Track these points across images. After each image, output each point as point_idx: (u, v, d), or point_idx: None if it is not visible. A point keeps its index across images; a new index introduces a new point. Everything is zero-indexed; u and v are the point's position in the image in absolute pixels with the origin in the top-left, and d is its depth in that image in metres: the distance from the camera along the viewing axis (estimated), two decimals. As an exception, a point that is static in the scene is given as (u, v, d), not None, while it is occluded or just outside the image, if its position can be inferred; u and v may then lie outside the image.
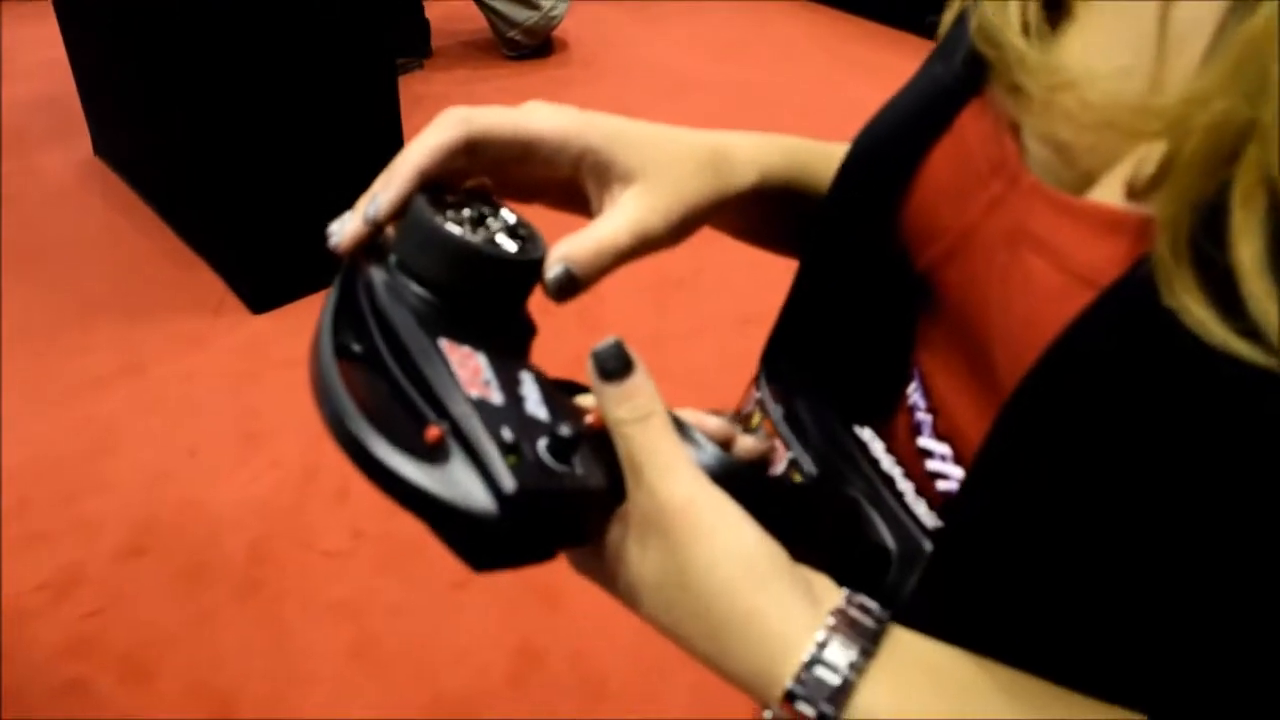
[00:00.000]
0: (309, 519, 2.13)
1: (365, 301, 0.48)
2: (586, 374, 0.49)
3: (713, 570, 0.45)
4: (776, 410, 0.63)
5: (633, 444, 0.47)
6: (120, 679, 1.84)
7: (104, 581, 2.00)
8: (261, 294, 2.70)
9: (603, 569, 0.50)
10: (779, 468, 0.60)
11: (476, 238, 0.50)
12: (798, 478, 0.59)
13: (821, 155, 0.65)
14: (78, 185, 3.14)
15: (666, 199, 0.56)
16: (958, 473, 0.54)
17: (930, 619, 0.48)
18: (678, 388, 2.48)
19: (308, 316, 2.64)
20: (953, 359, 0.55)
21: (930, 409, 0.56)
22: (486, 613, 1.96)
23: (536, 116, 0.56)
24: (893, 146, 0.57)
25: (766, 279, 3.20)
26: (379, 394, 0.46)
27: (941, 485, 0.55)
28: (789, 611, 0.45)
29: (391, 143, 2.73)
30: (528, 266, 0.51)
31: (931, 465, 0.55)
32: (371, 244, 0.52)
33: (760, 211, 0.64)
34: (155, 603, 1.98)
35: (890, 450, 0.58)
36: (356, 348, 0.47)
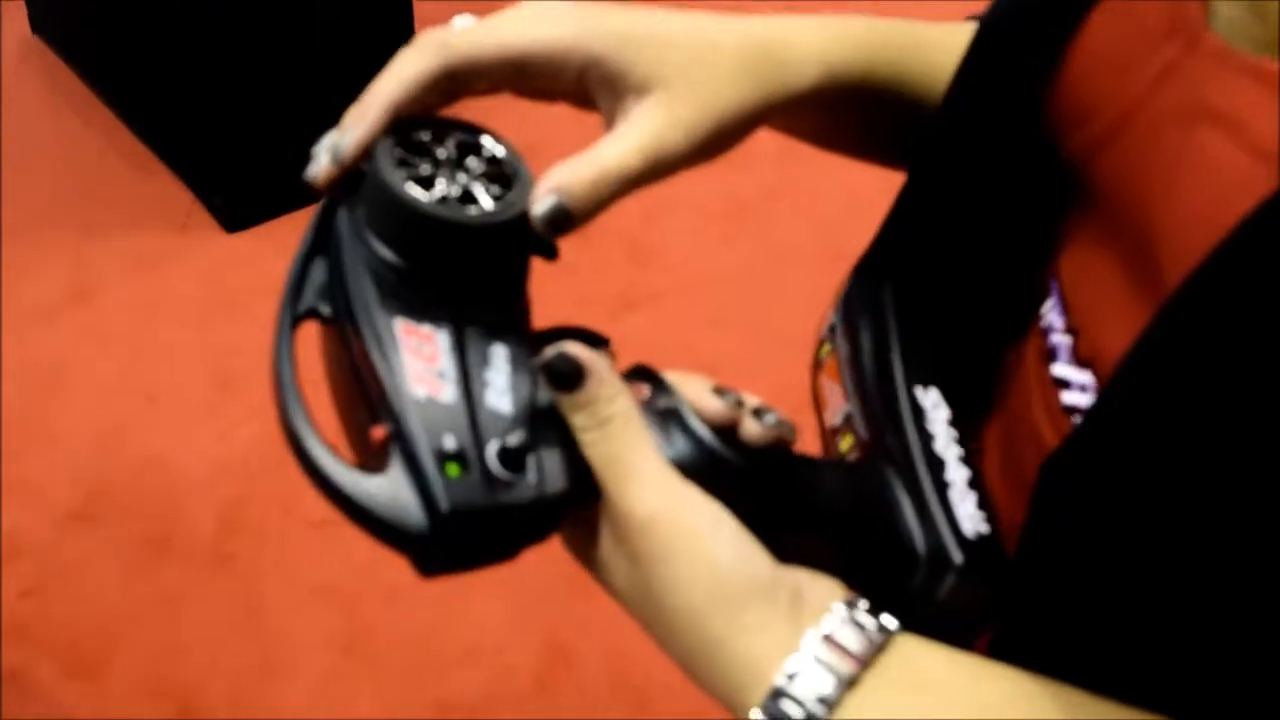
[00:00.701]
0: (293, 482, 2.11)
1: (332, 256, 0.54)
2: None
3: (675, 594, 0.50)
4: (844, 347, 0.65)
5: (592, 452, 0.52)
6: (64, 670, 1.90)
7: (46, 553, 2.06)
8: (236, 209, 2.73)
9: (586, 559, 0.55)
10: (835, 420, 0.64)
11: (443, 195, 0.54)
12: (848, 439, 0.62)
13: (911, 41, 0.66)
14: (12, 70, 3.18)
15: (691, 110, 0.57)
16: None
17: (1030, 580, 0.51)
18: (746, 340, 2.48)
19: (292, 236, 2.61)
20: (1103, 266, 0.56)
21: (1069, 329, 0.58)
22: (505, 602, 1.99)
23: (525, 30, 0.57)
24: (1041, 8, 0.58)
25: (864, 201, 3.16)
26: (343, 370, 0.53)
27: (1079, 421, 0.56)
28: (757, 639, 0.50)
29: (403, 29, 2.74)
30: (500, 229, 0.55)
31: (1068, 398, 0.57)
32: (349, 181, 0.56)
33: (829, 115, 0.65)
34: (105, 580, 2.03)
35: (959, 423, 0.61)
36: (325, 310, 0.54)
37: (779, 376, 2.41)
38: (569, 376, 0.52)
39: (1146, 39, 0.53)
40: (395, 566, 1.95)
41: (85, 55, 3.10)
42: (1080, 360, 0.57)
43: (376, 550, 1.86)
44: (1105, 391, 0.50)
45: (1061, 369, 0.57)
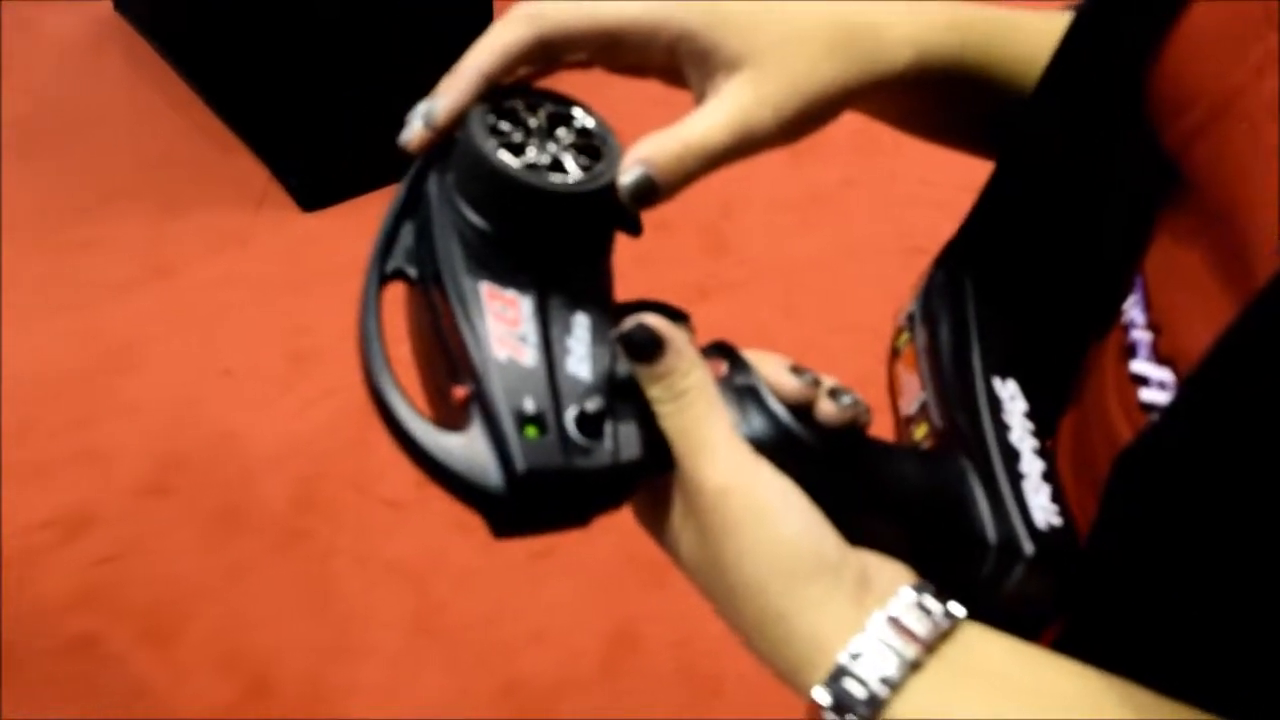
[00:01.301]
0: (366, 460, 2.19)
1: (421, 219, 0.56)
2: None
3: (741, 566, 0.51)
4: (922, 336, 0.65)
5: (668, 424, 0.53)
6: (136, 638, 1.92)
7: (120, 523, 2.09)
8: (313, 188, 2.75)
9: (653, 525, 0.56)
10: (910, 408, 0.64)
11: (532, 162, 0.55)
12: (922, 428, 0.63)
13: (1001, 26, 0.65)
14: (93, 48, 3.22)
15: (779, 88, 0.57)
16: None
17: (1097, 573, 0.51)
18: (820, 329, 2.48)
19: (368, 216, 2.66)
20: (1191, 262, 0.55)
21: (1151, 325, 0.57)
22: (575, 586, 2.00)
23: (617, 3, 0.58)
24: None
25: (942, 194, 3.17)
26: (426, 331, 0.54)
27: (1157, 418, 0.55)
28: (822, 617, 0.50)
29: (483, 10, 2.75)
30: (588, 198, 0.56)
31: (1146, 395, 0.56)
32: (440, 147, 0.58)
33: (916, 98, 0.64)
34: (179, 551, 2.05)
35: (1035, 416, 0.61)
36: (412, 272, 0.56)
37: (852, 366, 2.40)
38: (647, 347, 0.53)
39: (1248, 28, 0.52)
40: (466, 548, 1.98)
41: (166, 33, 3.14)
42: (1160, 358, 0.56)
43: (448, 531, 1.89)
44: (1185, 387, 0.49)
45: (1141, 365, 0.57)
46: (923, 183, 2.67)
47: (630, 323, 0.53)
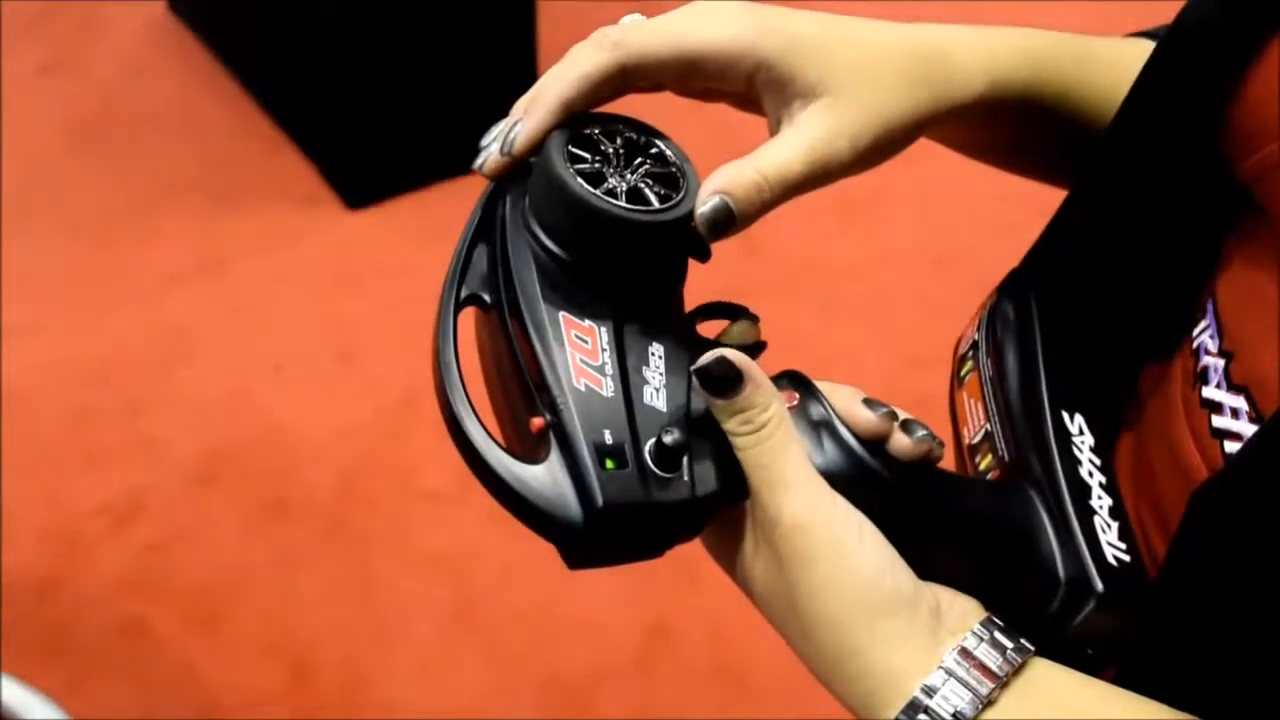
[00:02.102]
0: (409, 453, 2.21)
1: (497, 244, 0.55)
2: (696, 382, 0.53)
3: (816, 600, 0.51)
4: (987, 367, 0.65)
5: (745, 457, 0.52)
6: (185, 621, 1.96)
7: (171, 510, 2.12)
8: (361, 186, 2.77)
9: (723, 555, 0.56)
10: (974, 438, 0.64)
11: (611, 190, 0.54)
12: (987, 459, 0.63)
13: (1075, 55, 0.65)
14: (148, 48, 3.24)
15: (857, 118, 0.57)
16: (1252, 432, 0.54)
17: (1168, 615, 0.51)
18: (848, 329, 2.48)
19: (413, 215, 2.70)
20: (1266, 289, 0.55)
21: (1223, 351, 0.57)
22: (614, 582, 2.01)
23: (700, 29, 0.57)
24: (1225, 29, 0.57)
25: (970, 207, 3.16)
26: (502, 358, 0.54)
27: (1230, 447, 0.55)
28: (897, 651, 0.50)
29: (525, 15, 2.77)
30: (667, 228, 0.55)
31: (1219, 422, 0.56)
32: (515, 171, 0.57)
33: (989, 127, 0.64)
34: (227, 539, 2.08)
35: (1101, 450, 0.60)
36: (487, 298, 0.55)
37: (885, 369, 2.43)
38: (725, 382, 0.52)
39: None
40: (504, 541, 1.98)
41: (218, 32, 3.16)
42: (1234, 384, 0.56)
43: (487, 524, 1.90)
44: (1270, 423, 0.49)
45: (1213, 392, 0.57)
46: (954, 193, 2.66)
47: (709, 357, 0.52)
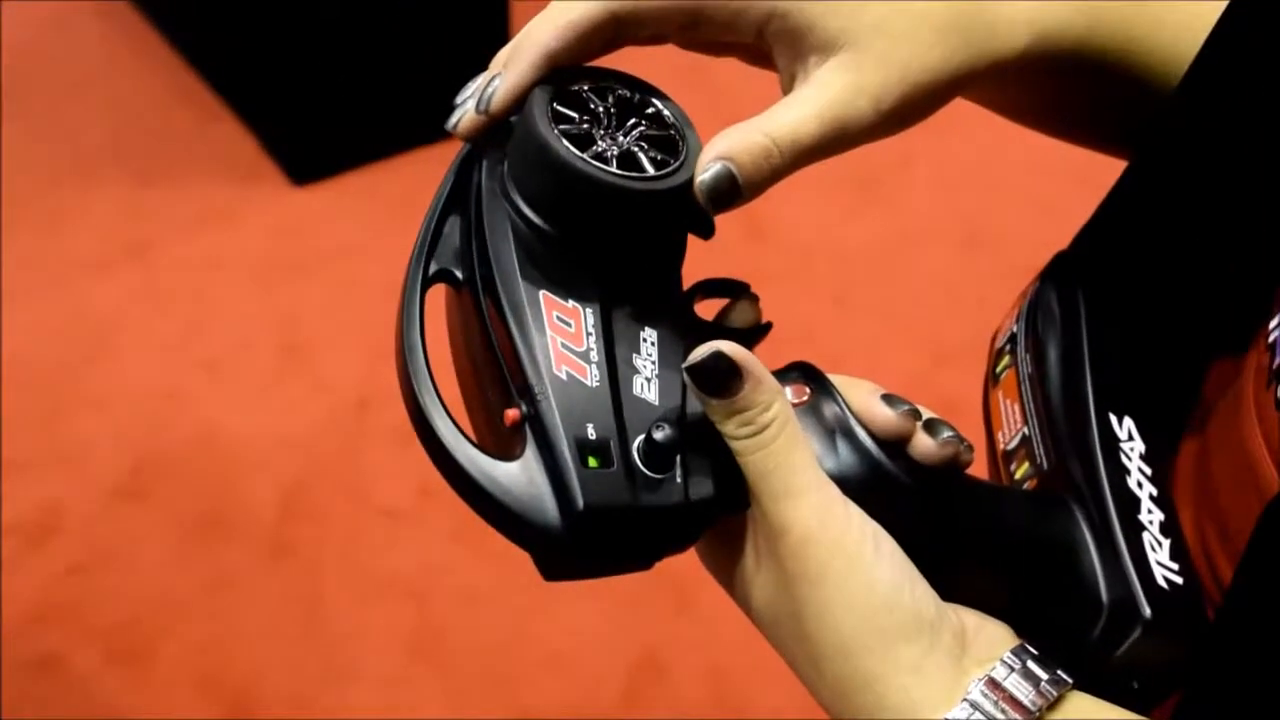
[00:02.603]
0: (362, 465, 2.20)
1: (472, 215, 0.54)
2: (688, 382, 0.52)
3: (827, 621, 0.50)
4: (1025, 364, 0.64)
5: (747, 462, 0.52)
6: (107, 656, 1.94)
7: (91, 529, 2.10)
8: (307, 159, 2.76)
9: (720, 569, 0.56)
10: (1010, 442, 0.64)
11: (601, 154, 0.54)
12: (1023, 467, 0.62)
13: (1136, 7, 0.64)
14: (69, 6, 3.24)
15: (881, 74, 0.56)
16: None
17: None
18: (865, 320, 2.48)
19: (367, 191, 2.69)
20: None
21: None
22: (595, 608, 2.00)
23: None
24: None
25: (1003, 181, 3.16)
26: (474, 341, 0.53)
27: None
28: (916, 681, 0.50)
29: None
30: (664, 197, 0.54)
31: None
32: (493, 132, 0.56)
33: (1036, 87, 0.63)
34: (154, 561, 2.07)
35: (1153, 458, 0.60)
36: (458, 274, 0.55)
37: (907, 367, 2.42)
38: (722, 380, 0.51)
39: None
40: (470, 563, 1.98)
41: (147, -14, 3.15)
42: None
43: (451, 544, 1.89)
44: None
45: None
46: (985, 165, 2.66)
47: (701, 352, 0.51)
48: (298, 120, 2.76)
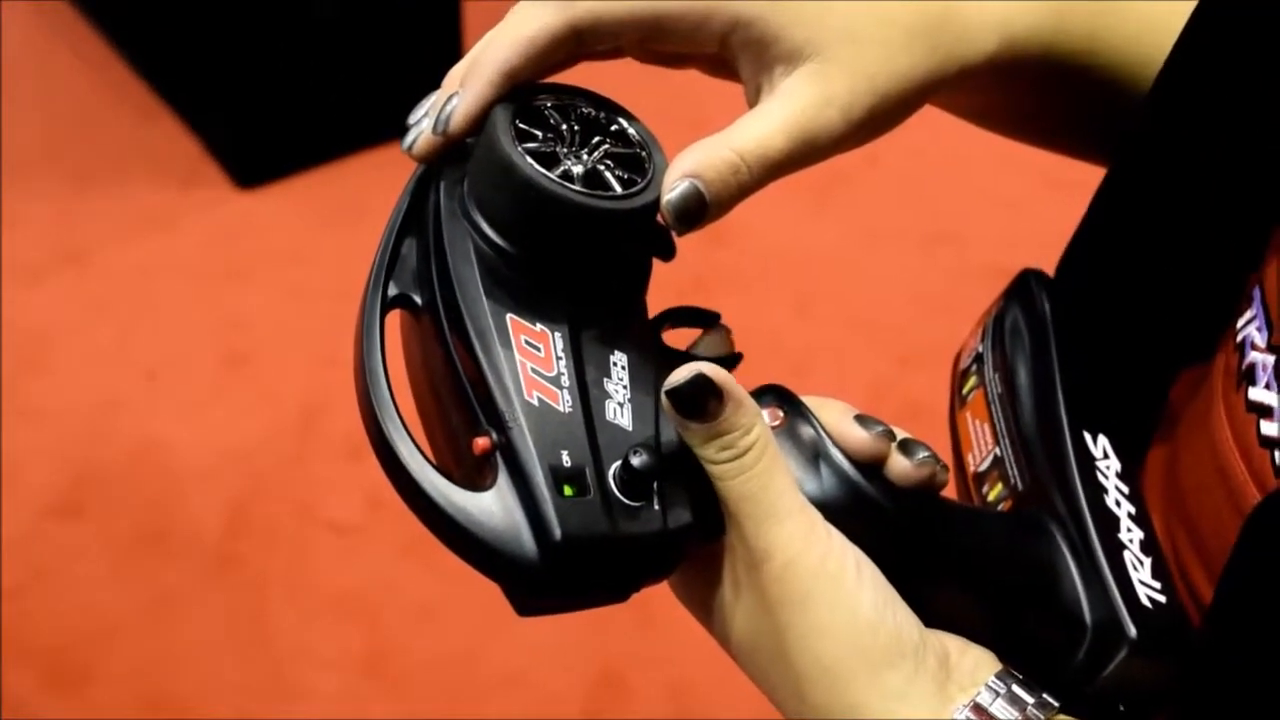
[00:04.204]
0: (309, 477, 2.19)
1: (430, 237, 0.54)
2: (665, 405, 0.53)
3: (808, 648, 0.51)
4: (994, 384, 0.65)
5: (726, 488, 0.52)
6: (42, 681, 1.93)
7: (25, 547, 2.08)
8: (252, 161, 2.75)
9: (696, 601, 0.56)
10: (981, 464, 0.64)
11: (567, 170, 0.54)
12: (996, 488, 0.63)
13: (1115, 8, 0.65)
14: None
15: (849, 84, 0.56)
16: None
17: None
18: (830, 325, 2.48)
19: (314, 194, 2.69)
20: None
21: (1272, 346, 0.57)
22: (553, 626, 1.99)
23: None
24: None
25: (965, 179, 3.16)
26: (436, 368, 0.53)
27: None
28: (902, 708, 0.50)
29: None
30: (631, 216, 0.54)
31: (1269, 429, 0.56)
32: (452, 152, 0.57)
33: (1004, 92, 0.64)
34: (94, 580, 2.05)
35: (1128, 476, 0.61)
36: (417, 299, 0.55)
37: (872, 371, 2.43)
38: (702, 403, 0.51)
39: None
40: (422, 579, 1.97)
41: (82, -19, 3.14)
42: None
43: (403, 560, 1.89)
44: None
45: (1261, 394, 0.57)
46: (946, 163, 2.67)
47: (681, 375, 0.51)
48: (241, 120, 2.74)
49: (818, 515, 0.52)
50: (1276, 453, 0.56)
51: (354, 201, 2.31)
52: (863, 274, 2.61)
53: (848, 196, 2.77)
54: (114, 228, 2.62)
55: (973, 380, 0.67)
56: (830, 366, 2.38)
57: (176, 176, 2.74)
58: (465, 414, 0.52)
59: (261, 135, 2.74)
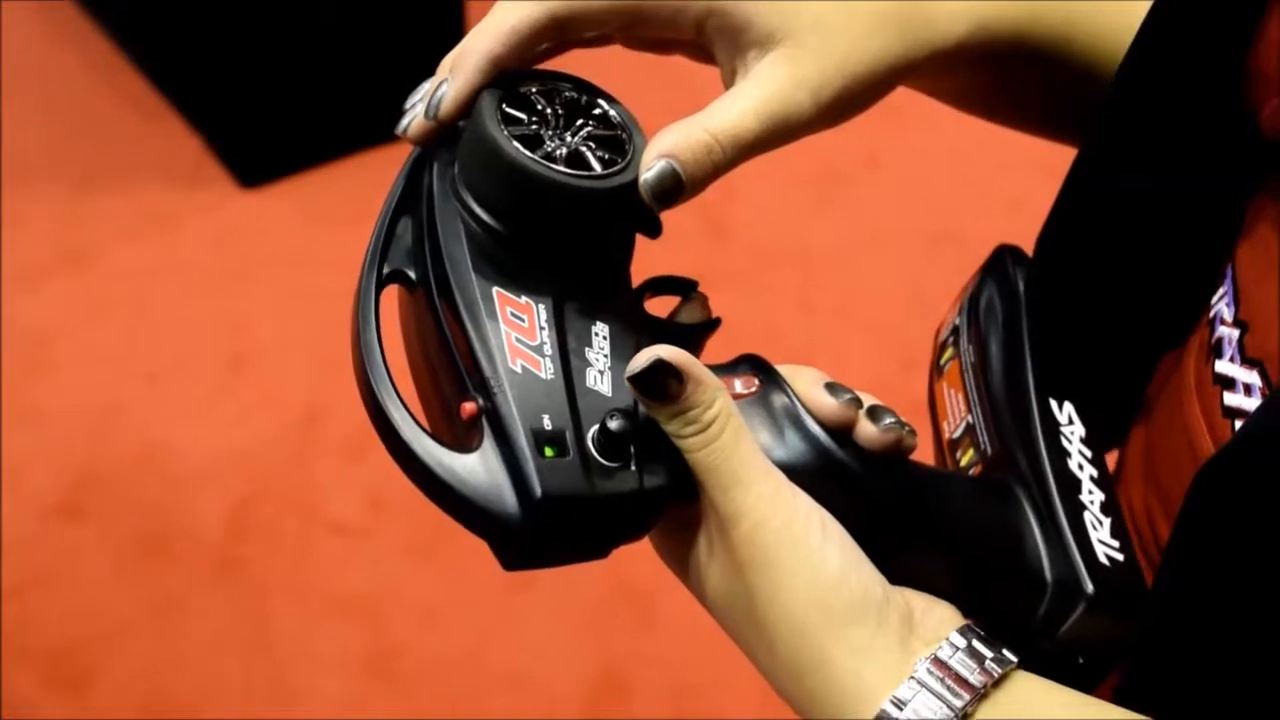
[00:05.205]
0: (313, 479, 2.19)
1: (424, 216, 0.58)
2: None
3: (776, 605, 0.53)
4: (968, 354, 0.67)
5: (694, 460, 0.54)
6: (44, 684, 1.93)
7: (27, 550, 2.09)
8: (255, 160, 2.75)
9: (675, 559, 0.59)
10: (955, 431, 0.67)
11: (550, 155, 0.57)
12: (968, 454, 0.65)
13: None
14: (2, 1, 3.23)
15: (818, 67, 0.58)
16: None
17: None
18: (831, 322, 2.49)
19: (317, 194, 2.70)
20: None
21: (1238, 321, 0.59)
22: (556, 624, 2.01)
23: None
24: None
25: (970, 177, 3.16)
26: (429, 339, 0.56)
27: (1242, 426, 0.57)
28: (866, 662, 0.52)
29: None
30: (612, 195, 0.57)
31: (1231, 399, 0.58)
32: (444, 136, 0.60)
33: (979, 75, 0.65)
34: (96, 582, 2.06)
35: (1093, 442, 0.63)
36: (412, 274, 0.58)
37: (875, 370, 2.43)
38: (663, 385, 0.53)
39: None
40: (425, 580, 1.97)
41: (85, -18, 3.14)
42: (1248, 358, 0.57)
43: (406, 561, 1.88)
44: (1275, 392, 0.51)
45: (1226, 366, 0.58)
46: (952, 161, 2.67)
47: (642, 360, 0.53)
48: (245, 120, 2.75)
49: (783, 479, 0.54)
50: (1237, 422, 0.57)
51: (357, 201, 2.29)
52: (865, 272, 2.61)
53: (850, 195, 2.78)
54: (117, 228, 2.62)
55: (949, 352, 0.69)
56: (831, 364, 2.31)
57: (179, 177, 2.75)
58: (455, 381, 0.55)
59: (265, 135, 2.75)
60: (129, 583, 2.05)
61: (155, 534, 2.12)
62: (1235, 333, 0.58)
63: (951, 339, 0.70)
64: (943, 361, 0.70)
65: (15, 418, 2.27)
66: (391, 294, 0.59)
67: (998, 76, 0.66)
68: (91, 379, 2.35)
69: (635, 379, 0.53)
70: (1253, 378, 0.57)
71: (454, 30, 2.70)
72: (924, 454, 0.62)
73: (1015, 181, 2.49)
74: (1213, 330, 0.60)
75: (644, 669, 1.96)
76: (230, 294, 2.51)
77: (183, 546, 2.11)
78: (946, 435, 0.68)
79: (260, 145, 2.75)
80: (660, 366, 0.52)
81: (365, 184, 2.50)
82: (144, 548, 2.10)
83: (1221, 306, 0.60)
